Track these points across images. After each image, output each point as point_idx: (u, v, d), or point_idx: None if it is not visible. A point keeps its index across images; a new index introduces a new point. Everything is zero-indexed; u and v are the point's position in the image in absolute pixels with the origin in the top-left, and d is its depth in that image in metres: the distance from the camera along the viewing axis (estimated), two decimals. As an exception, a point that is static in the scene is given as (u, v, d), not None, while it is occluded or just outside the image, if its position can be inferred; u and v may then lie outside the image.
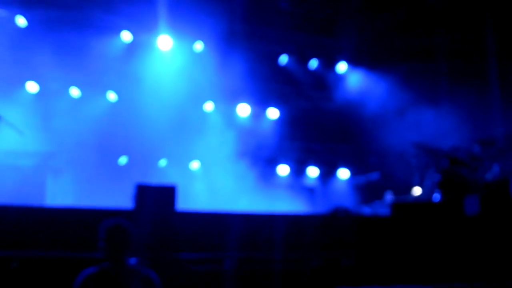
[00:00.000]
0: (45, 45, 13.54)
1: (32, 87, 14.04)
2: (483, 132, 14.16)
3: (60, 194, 11.42)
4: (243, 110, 16.66)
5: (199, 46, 15.90)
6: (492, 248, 7.91)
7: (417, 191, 12.52)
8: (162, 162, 15.24)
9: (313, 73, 17.85)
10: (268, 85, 16.70)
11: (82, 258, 5.56)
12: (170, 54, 15.62)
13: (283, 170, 16.71)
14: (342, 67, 17.91)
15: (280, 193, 14.73)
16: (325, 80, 17.95)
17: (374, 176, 15.89)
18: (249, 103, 16.70)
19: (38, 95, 14.11)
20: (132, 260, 4.38)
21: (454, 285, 6.57)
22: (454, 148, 11.43)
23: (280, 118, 16.99)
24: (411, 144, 12.31)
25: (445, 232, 7.84)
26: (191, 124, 14.94)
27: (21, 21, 13.81)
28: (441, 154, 11.47)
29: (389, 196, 13.56)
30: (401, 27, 16.52)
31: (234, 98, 16.26)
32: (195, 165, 15.57)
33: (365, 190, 15.67)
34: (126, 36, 15.01)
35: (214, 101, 16.16)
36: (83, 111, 14.27)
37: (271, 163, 16.36)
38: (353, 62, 17.95)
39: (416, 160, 12.36)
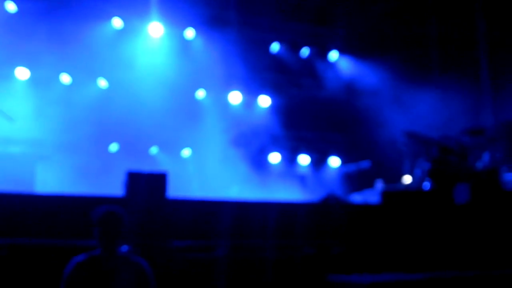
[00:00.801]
0: (36, 31, 13.42)
1: (22, 73, 13.89)
2: (473, 121, 14.23)
3: (49, 181, 11.38)
4: (235, 97, 16.64)
5: (190, 33, 15.83)
6: (481, 236, 7.97)
7: (407, 179, 12.58)
8: (154, 149, 15.21)
9: (305, 61, 17.84)
10: (259, 73, 16.67)
11: (72, 245, 5.55)
12: (161, 41, 15.54)
13: (274, 158, 16.73)
14: (334, 55, 17.91)
15: (271, 181, 14.77)
16: (317, 68, 17.95)
17: (364, 164, 15.94)
18: (240, 91, 16.67)
19: (28, 81, 13.98)
20: (123, 248, 4.37)
21: (444, 273, 6.62)
22: (444, 137, 11.48)
23: (271, 106, 16.99)
24: (402, 132, 12.35)
25: (435, 220, 7.89)
26: (183, 111, 14.90)
27: (10, 6, 13.65)
28: (431, 143, 11.51)
29: (379, 184, 13.61)
30: (392, 16, 16.51)
31: (226, 85, 16.23)
32: (186, 152, 15.55)
33: (355, 178, 15.72)
34: (117, 22, 14.90)
35: (206, 88, 16.12)
36: (74, 97, 14.18)
37: (263, 151, 16.36)
38: (345, 51, 17.95)
39: (407, 148, 12.40)
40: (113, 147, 14.67)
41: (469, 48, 14.95)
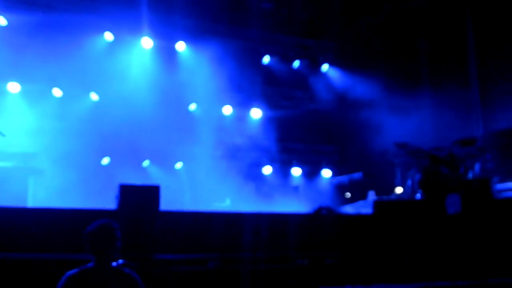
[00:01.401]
0: (27, 44, 13.42)
1: (13, 87, 13.87)
2: (464, 132, 14.31)
3: (42, 195, 11.33)
4: (226, 110, 16.69)
5: (181, 46, 15.88)
6: (473, 245, 8.00)
7: (399, 190, 12.62)
8: (146, 163, 15.20)
9: (296, 73, 17.92)
10: (251, 86, 16.73)
11: (66, 259, 5.53)
12: (152, 54, 15.59)
13: (267, 170, 16.76)
14: (325, 68, 18.01)
15: (264, 193, 14.77)
16: (308, 81, 18.03)
17: (357, 176, 15.97)
18: (232, 104, 16.72)
19: (20, 95, 13.96)
20: (119, 261, 4.37)
21: (436, 283, 6.64)
22: (435, 148, 11.54)
23: (263, 118, 17.03)
24: (393, 144, 12.41)
25: (427, 231, 7.91)
26: (175, 124, 14.90)
27: (1, 20, 13.66)
28: (422, 154, 11.58)
29: (372, 196, 13.65)
30: (381, 29, 16.64)
31: (218, 98, 16.26)
32: (178, 165, 15.55)
33: (348, 190, 15.74)
34: (108, 36, 14.94)
35: (197, 101, 16.15)
36: (66, 111, 14.16)
37: (255, 163, 16.37)
38: (336, 63, 18.05)
39: (398, 160, 12.46)
40: (105, 160, 14.64)
41: (459, 60, 15.07)
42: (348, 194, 15.08)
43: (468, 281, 6.81)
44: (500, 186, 11.54)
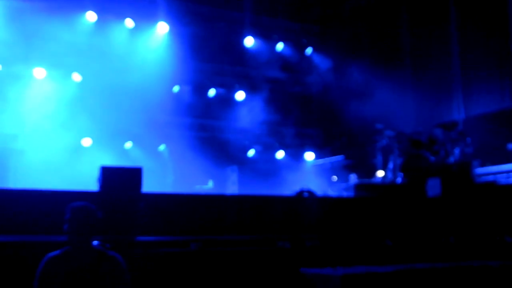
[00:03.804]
0: (8, 25, 13.26)
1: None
2: (445, 116, 14.44)
3: (23, 176, 11.26)
4: (210, 92, 16.66)
5: (163, 28, 15.74)
6: (453, 229, 8.11)
7: (380, 174, 12.73)
8: (128, 144, 15.15)
9: (280, 56, 17.90)
10: (234, 68, 16.69)
11: (46, 241, 5.51)
12: (135, 35, 15.48)
13: (251, 152, 16.81)
14: (308, 51, 18.00)
15: (248, 176, 14.82)
16: (292, 63, 18.02)
17: (339, 159, 16.07)
18: (215, 86, 16.69)
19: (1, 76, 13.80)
20: (94, 242, 4.36)
21: (416, 265, 6.72)
22: (416, 131, 11.62)
23: (246, 100, 17.01)
24: (375, 128, 12.48)
25: (407, 214, 8.00)
26: (157, 106, 14.84)
27: None
28: (403, 137, 11.66)
29: (353, 179, 13.75)
30: (365, 12, 16.66)
31: (200, 80, 16.22)
32: (161, 147, 15.52)
33: (330, 173, 15.84)
34: (91, 16, 14.78)
35: (179, 83, 16.09)
36: (47, 92, 14.03)
37: (239, 146, 16.41)
38: (320, 47, 18.06)
39: (379, 143, 12.54)
40: (87, 141, 14.54)
41: (440, 45, 15.15)
42: (330, 177, 15.18)
43: (448, 263, 6.90)
44: (480, 170, 11.68)
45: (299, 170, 16.65)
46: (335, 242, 7.26)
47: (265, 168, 16.08)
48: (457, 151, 11.11)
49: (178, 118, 15.55)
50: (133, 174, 6.32)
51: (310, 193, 7.74)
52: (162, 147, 15.49)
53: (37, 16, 13.47)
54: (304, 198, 7.66)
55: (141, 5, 15.00)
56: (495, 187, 9.25)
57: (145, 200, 6.29)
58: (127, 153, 15.00)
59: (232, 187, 14.72)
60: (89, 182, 6.65)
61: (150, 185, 6.53)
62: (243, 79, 17.07)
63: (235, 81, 16.88)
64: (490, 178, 11.37)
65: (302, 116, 17.82)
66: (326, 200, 8.59)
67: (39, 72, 14.15)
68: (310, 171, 16.79)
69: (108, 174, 6.21)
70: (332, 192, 13.29)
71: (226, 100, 16.92)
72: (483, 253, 7.71)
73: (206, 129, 16.22)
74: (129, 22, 15.23)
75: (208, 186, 14.15)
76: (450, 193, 8.81)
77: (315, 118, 18.12)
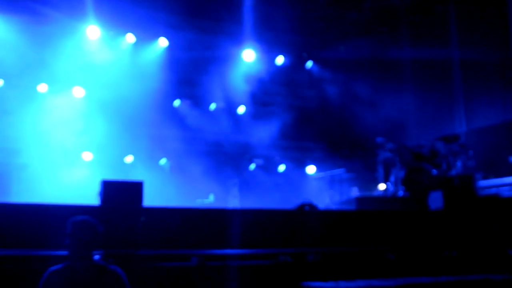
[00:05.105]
0: (9, 41, 13.34)
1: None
2: (447, 129, 14.43)
3: (25, 190, 11.27)
4: (211, 106, 16.68)
5: (163, 42, 15.81)
6: (456, 242, 8.07)
7: (382, 187, 12.70)
8: (129, 158, 15.15)
9: (281, 70, 17.92)
10: (233, 83, 16.72)
11: (48, 255, 5.50)
12: (135, 51, 15.56)
13: (252, 165, 16.79)
14: (309, 64, 18.03)
15: (248, 189, 14.78)
16: (293, 77, 18.04)
17: (340, 172, 16.04)
18: (215, 101, 16.72)
19: (1, 90, 13.83)
20: (96, 256, 4.36)
21: (419, 279, 6.69)
22: (418, 144, 11.61)
23: (247, 114, 17.02)
24: (377, 141, 12.47)
25: (409, 227, 7.97)
26: (158, 120, 14.86)
27: None
28: (405, 150, 11.64)
29: (355, 192, 13.71)
30: (366, 26, 16.71)
31: (201, 94, 16.26)
32: (162, 161, 15.51)
33: (331, 186, 15.81)
34: (93, 32, 14.83)
35: (180, 97, 16.14)
36: (50, 106, 14.08)
37: (240, 159, 16.40)
38: (321, 60, 18.09)
39: (381, 157, 12.52)
40: (88, 156, 14.55)
41: (442, 58, 15.18)
42: (331, 191, 15.15)
43: (450, 277, 6.86)
44: (482, 183, 11.65)
45: (301, 183, 16.61)
46: (337, 256, 7.23)
47: (267, 181, 16.05)
48: (459, 164, 11.09)
49: (179, 131, 15.55)
50: (134, 188, 6.33)
51: (312, 206, 7.72)
52: (163, 161, 15.48)
53: (41, 31, 13.53)
54: (306, 212, 7.64)
55: (142, 20, 15.05)
56: (497, 200, 9.22)
57: (146, 214, 6.27)
58: (128, 167, 14.99)
59: (233, 200, 14.68)
60: (90, 196, 6.64)
61: (151, 199, 6.53)
62: (244, 93, 17.08)
63: (234, 95, 16.88)
64: (493, 191, 11.33)
65: (304, 129, 17.82)
66: (327, 214, 8.56)
67: (42, 87, 14.19)
68: (312, 185, 16.75)
69: (109, 188, 6.22)
70: (333, 205, 13.25)
71: (227, 114, 16.93)
72: (486, 266, 7.67)
73: (207, 143, 16.20)
74: (130, 37, 15.29)
75: (209, 200, 14.12)
76: (452, 206, 8.78)
77: (317, 131, 18.10)
